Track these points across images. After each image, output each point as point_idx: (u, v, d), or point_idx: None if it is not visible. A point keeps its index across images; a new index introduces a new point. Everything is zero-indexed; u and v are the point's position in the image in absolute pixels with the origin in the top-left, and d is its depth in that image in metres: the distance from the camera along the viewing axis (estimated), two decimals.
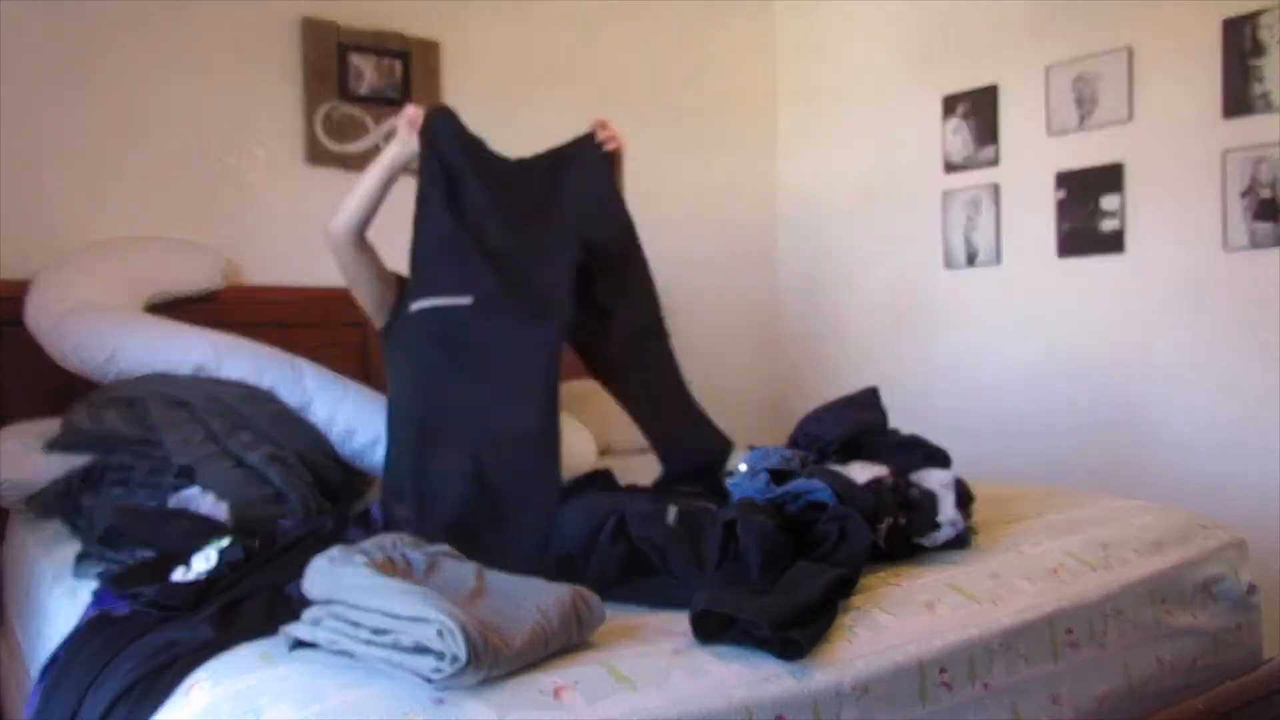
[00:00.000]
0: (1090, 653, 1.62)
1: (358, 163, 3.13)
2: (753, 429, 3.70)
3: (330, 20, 3.08)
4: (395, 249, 2.20)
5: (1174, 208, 2.93)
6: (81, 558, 1.68)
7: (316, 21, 3.07)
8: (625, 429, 3.16)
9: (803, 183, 4.10)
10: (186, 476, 2.10)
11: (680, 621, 1.32)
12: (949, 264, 3.54)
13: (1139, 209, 3.01)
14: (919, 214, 3.62)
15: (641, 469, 2.82)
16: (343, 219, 2.08)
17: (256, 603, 1.38)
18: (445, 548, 1.40)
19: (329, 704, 1.09)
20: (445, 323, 1.93)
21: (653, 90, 3.82)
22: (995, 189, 3.38)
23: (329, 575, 1.22)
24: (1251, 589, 1.98)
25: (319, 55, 3.07)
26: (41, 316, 2.36)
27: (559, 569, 1.52)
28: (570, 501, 1.70)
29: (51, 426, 2.25)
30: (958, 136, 3.49)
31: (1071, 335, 3.20)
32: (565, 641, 1.23)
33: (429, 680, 1.09)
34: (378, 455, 2.39)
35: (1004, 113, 3.35)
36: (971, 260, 3.47)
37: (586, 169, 2.08)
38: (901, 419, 2.17)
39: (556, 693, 1.12)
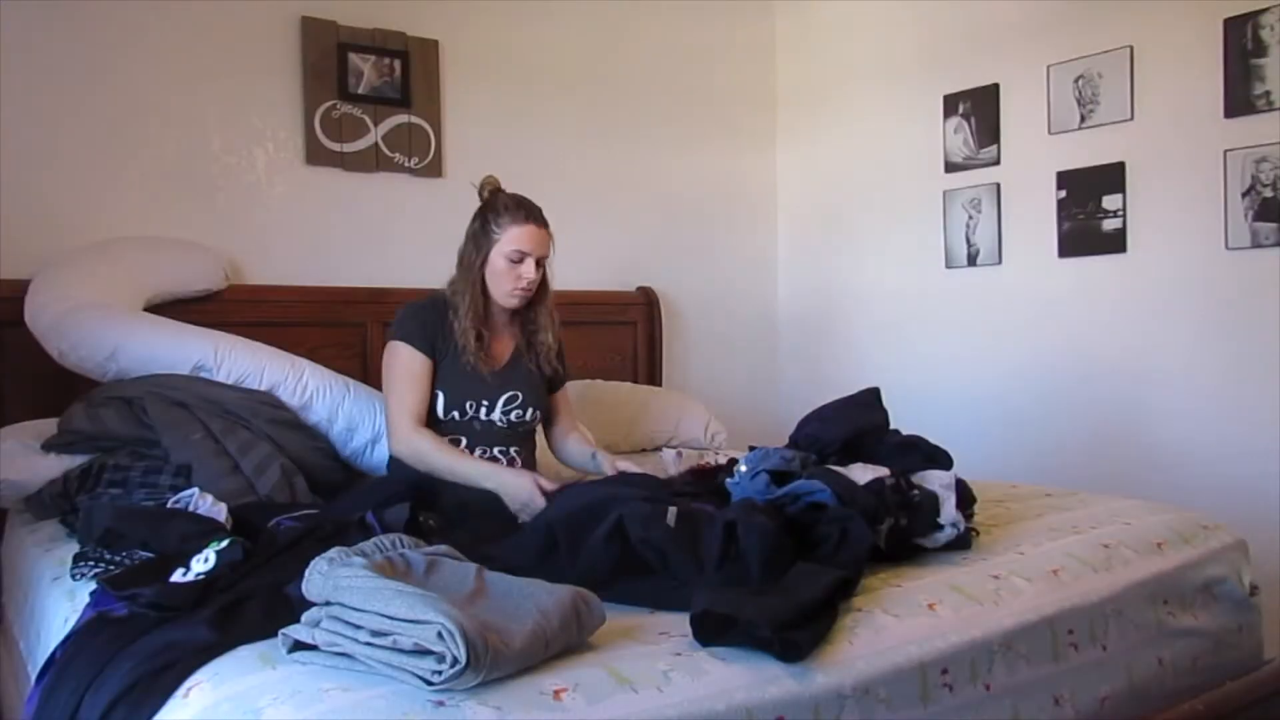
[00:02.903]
0: (1091, 654, 1.62)
1: (357, 162, 3.14)
2: (753, 429, 3.70)
3: (330, 20, 3.08)
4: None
5: (1175, 207, 2.92)
6: (78, 558, 1.67)
7: (316, 21, 3.06)
8: (626, 429, 3.17)
9: (803, 182, 4.10)
10: (184, 476, 2.10)
11: (680, 622, 1.31)
12: (950, 264, 3.53)
13: (1140, 208, 3.01)
14: (920, 214, 3.61)
15: (642, 469, 2.82)
16: (424, 467, 2.13)
17: (256, 604, 1.38)
18: (445, 548, 1.40)
19: (328, 705, 1.08)
20: None
21: (653, 89, 3.82)
22: (996, 188, 3.38)
23: (328, 577, 1.22)
24: (1253, 590, 1.98)
25: (319, 55, 3.07)
26: (41, 316, 2.36)
27: (544, 536, 1.55)
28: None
29: (50, 427, 2.25)
30: (959, 136, 3.48)
31: (1072, 335, 3.19)
32: (565, 643, 1.22)
33: (428, 682, 1.09)
34: (378, 454, 2.39)
35: (1005, 112, 3.35)
36: (972, 260, 3.46)
37: None
38: (902, 419, 2.16)
39: (556, 694, 1.12)
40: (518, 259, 2.19)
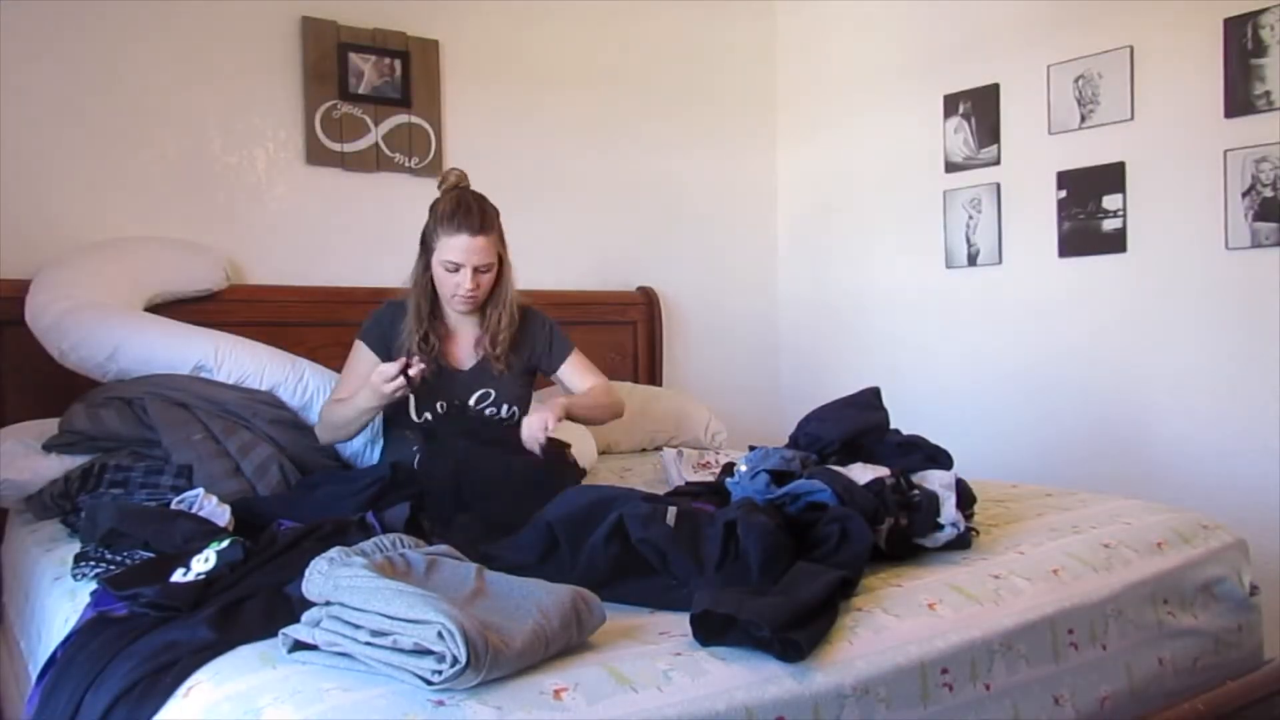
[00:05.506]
0: (1092, 653, 1.62)
1: (357, 162, 3.14)
2: (753, 429, 3.70)
3: (330, 19, 3.08)
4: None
5: (1175, 207, 2.92)
6: (80, 558, 1.67)
7: (316, 21, 3.06)
8: (626, 429, 3.17)
9: (803, 182, 4.10)
10: (186, 476, 2.10)
11: (680, 622, 1.31)
12: (950, 264, 3.53)
13: (1140, 208, 3.01)
14: (920, 214, 3.61)
15: (642, 469, 2.82)
16: (332, 428, 2.23)
17: (256, 603, 1.38)
18: (445, 548, 1.40)
19: (328, 705, 1.08)
20: None
21: (653, 90, 3.82)
22: (996, 188, 3.38)
23: (328, 577, 1.22)
24: (1253, 590, 1.98)
25: (319, 55, 3.07)
26: (42, 315, 2.36)
27: (545, 535, 1.55)
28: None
29: (50, 427, 2.25)
30: (959, 136, 3.48)
31: (1072, 335, 3.19)
32: (565, 642, 1.22)
33: (429, 682, 1.09)
34: (378, 455, 2.39)
35: (1005, 112, 3.35)
36: (973, 260, 3.46)
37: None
38: (902, 419, 2.17)
39: (556, 694, 1.12)
40: (453, 269, 2.15)
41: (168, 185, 2.87)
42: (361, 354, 2.26)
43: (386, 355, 2.20)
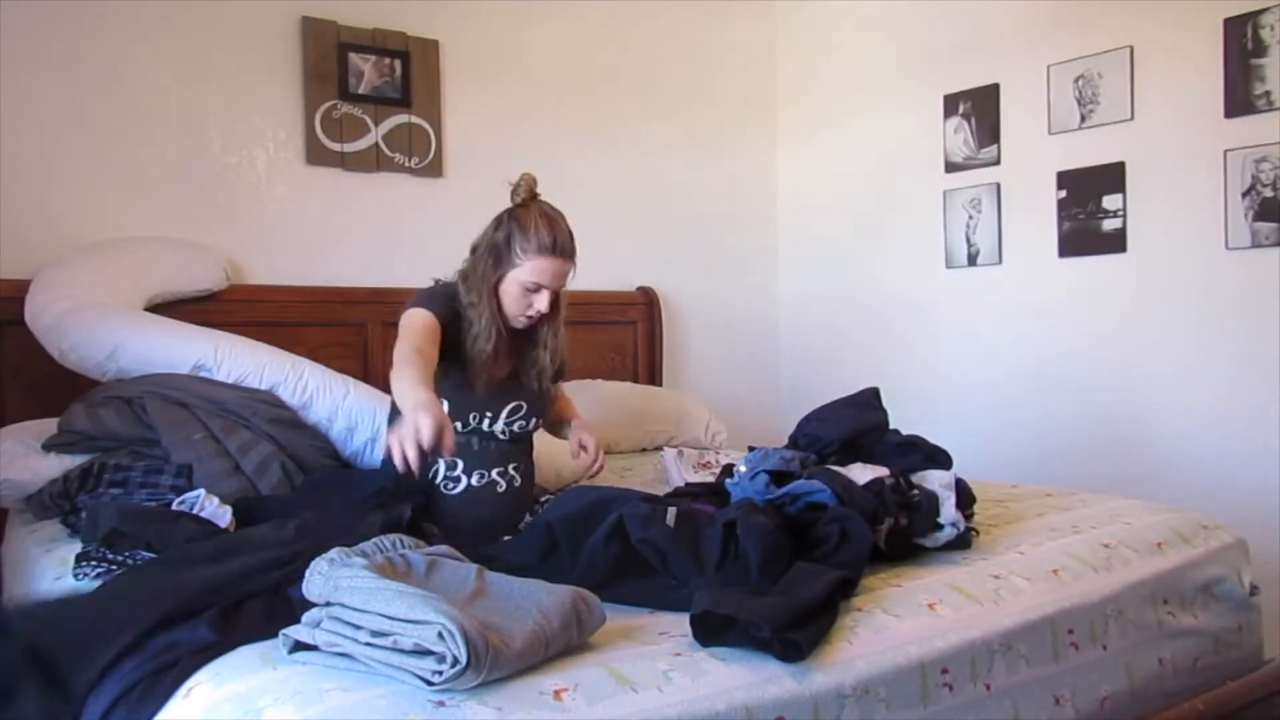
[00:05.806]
0: (1092, 653, 1.62)
1: (357, 162, 3.14)
2: (753, 429, 3.70)
3: (330, 19, 3.08)
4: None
5: (1175, 207, 2.92)
6: (81, 558, 1.67)
7: (316, 21, 3.06)
8: (626, 429, 3.17)
9: (803, 182, 4.10)
10: (185, 476, 2.10)
11: (680, 623, 1.32)
12: (950, 264, 3.53)
13: (1140, 208, 3.01)
14: (920, 214, 3.61)
15: (641, 469, 2.83)
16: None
17: (256, 604, 1.38)
18: (445, 548, 1.40)
19: (329, 706, 1.08)
20: None
21: (653, 90, 3.82)
22: (996, 188, 3.38)
23: (329, 578, 1.22)
24: (1253, 590, 1.98)
25: (319, 55, 3.07)
26: (41, 315, 2.36)
27: (544, 536, 1.54)
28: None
29: (50, 427, 2.25)
30: (959, 136, 3.48)
31: (1072, 335, 3.19)
32: (566, 643, 1.22)
33: (429, 682, 1.09)
34: (378, 454, 2.39)
35: (1005, 112, 3.35)
36: (972, 260, 3.46)
37: None
38: (902, 419, 2.17)
39: (557, 694, 1.12)
40: (533, 288, 2.06)
41: (168, 185, 2.87)
42: (424, 315, 2.02)
43: (456, 337, 2.06)
